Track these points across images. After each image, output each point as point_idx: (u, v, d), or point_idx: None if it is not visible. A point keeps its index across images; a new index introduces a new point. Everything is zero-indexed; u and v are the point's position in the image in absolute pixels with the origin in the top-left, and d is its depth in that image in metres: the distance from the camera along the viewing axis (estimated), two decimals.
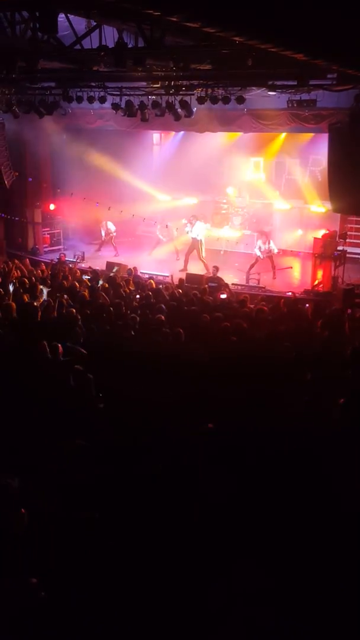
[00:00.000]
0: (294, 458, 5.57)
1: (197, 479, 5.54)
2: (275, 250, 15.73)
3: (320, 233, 15.28)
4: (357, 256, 16.64)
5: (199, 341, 8.64)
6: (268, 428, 5.99)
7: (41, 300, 10.95)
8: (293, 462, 5.53)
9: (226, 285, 13.73)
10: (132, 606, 4.74)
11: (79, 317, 9.44)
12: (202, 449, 5.81)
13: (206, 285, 13.20)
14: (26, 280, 12.37)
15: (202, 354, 8.02)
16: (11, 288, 11.72)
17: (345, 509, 5.11)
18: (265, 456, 5.60)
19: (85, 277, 13.65)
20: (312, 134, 16.31)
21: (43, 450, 5.74)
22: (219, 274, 14.03)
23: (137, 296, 11.94)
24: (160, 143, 20.56)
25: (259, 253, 15.58)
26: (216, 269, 14.03)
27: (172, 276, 14.12)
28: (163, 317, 9.62)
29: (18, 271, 13.77)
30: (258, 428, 5.98)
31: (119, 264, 15.81)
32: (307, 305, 12.38)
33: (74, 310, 9.77)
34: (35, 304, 10.35)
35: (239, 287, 14.52)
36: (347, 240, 16.07)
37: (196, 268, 15.95)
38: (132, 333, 9.01)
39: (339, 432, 6.00)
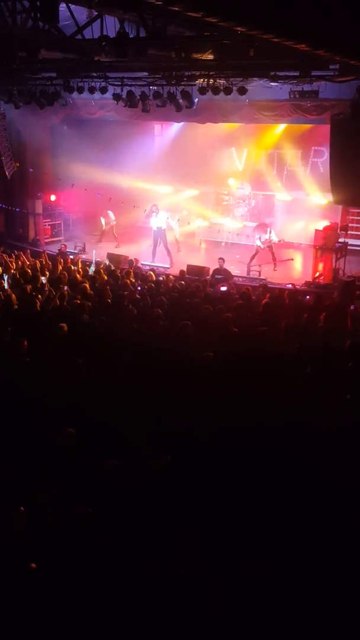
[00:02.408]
0: (295, 449, 5.57)
1: (197, 473, 5.55)
2: (276, 240, 15.70)
3: (321, 225, 15.24)
4: (358, 248, 16.60)
5: (201, 332, 8.66)
6: (268, 420, 6.01)
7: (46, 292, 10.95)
8: (293, 453, 5.53)
9: (232, 277, 13.73)
10: (129, 603, 4.76)
11: (87, 307, 9.49)
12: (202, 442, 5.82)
13: (209, 277, 13.21)
14: (28, 271, 12.39)
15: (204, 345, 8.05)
16: (5, 278, 11.70)
17: (345, 502, 5.13)
18: (266, 448, 5.60)
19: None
20: (313, 125, 16.22)
21: (36, 443, 5.75)
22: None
23: (139, 288, 11.94)
24: (161, 134, 20.49)
25: (259, 243, 15.57)
26: (222, 260, 14.03)
27: (166, 273, 14.15)
28: (163, 309, 9.64)
29: (19, 262, 13.81)
30: (258, 420, 6.00)
31: (119, 256, 15.82)
32: (308, 297, 12.38)
33: (79, 301, 9.81)
34: (38, 295, 10.36)
35: (240, 278, 14.53)
36: (349, 232, 16.05)
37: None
38: (135, 326, 9.03)
39: (340, 424, 6.03)
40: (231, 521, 5.08)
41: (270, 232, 15.65)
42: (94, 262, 14.34)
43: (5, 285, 11.42)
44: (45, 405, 6.48)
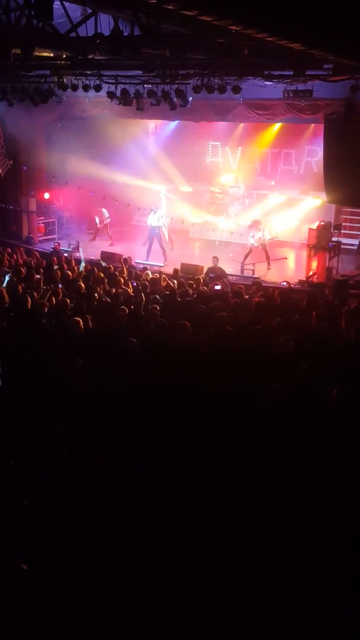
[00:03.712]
0: (289, 447, 5.59)
1: (190, 469, 5.56)
2: (268, 238, 15.73)
3: (315, 224, 15.29)
4: (351, 247, 16.69)
5: (195, 331, 8.67)
6: (261, 416, 6.03)
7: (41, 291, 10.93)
8: (288, 450, 5.55)
9: (226, 276, 13.75)
10: (127, 601, 4.78)
11: (70, 306, 9.51)
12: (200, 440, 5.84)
13: (203, 276, 13.23)
14: (22, 269, 12.37)
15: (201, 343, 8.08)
16: (7, 278, 11.67)
17: (341, 496, 5.15)
18: (262, 445, 5.62)
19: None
20: (307, 125, 16.27)
21: (29, 438, 5.75)
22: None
23: (134, 284, 11.96)
24: (155, 132, 20.49)
25: (252, 242, 15.61)
26: (216, 259, 14.05)
27: (159, 271, 14.15)
28: (158, 307, 9.66)
29: (12, 260, 13.79)
30: (251, 416, 6.02)
31: (113, 254, 15.81)
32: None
33: (68, 300, 9.82)
34: (33, 292, 10.35)
35: (234, 277, 14.56)
36: (342, 231, 16.11)
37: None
38: (124, 324, 9.05)
39: (331, 421, 6.06)
40: (225, 515, 5.10)
41: (263, 230, 15.69)
42: (82, 259, 14.33)
43: (4, 284, 11.39)
44: (40, 404, 6.49)
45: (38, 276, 11.76)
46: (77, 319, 8.48)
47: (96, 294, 10.50)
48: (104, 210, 18.34)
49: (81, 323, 8.39)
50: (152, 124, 20.12)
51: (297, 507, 5.08)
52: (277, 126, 17.34)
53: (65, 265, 13.46)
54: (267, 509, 5.12)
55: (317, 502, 5.10)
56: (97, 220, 18.49)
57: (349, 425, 5.84)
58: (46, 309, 9.50)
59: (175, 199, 19.54)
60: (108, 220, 18.43)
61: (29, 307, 9.66)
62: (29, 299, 9.86)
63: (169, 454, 5.45)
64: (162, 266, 15.62)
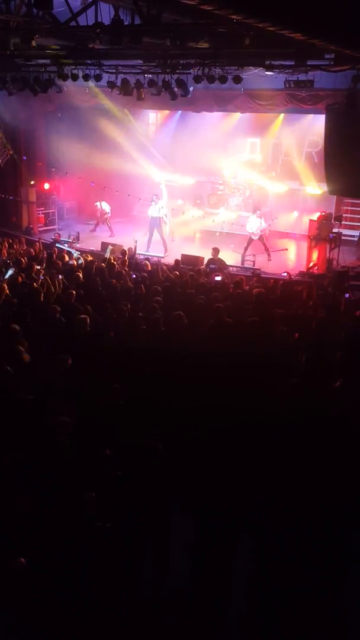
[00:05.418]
0: (289, 438, 5.61)
1: (193, 461, 5.58)
2: (265, 226, 15.63)
3: (315, 215, 15.25)
4: (352, 239, 16.66)
5: (194, 323, 8.67)
6: (262, 409, 6.04)
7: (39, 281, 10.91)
8: (288, 442, 5.57)
9: (226, 267, 13.73)
10: (128, 589, 4.81)
11: (74, 297, 9.50)
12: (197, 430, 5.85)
13: (204, 267, 13.21)
14: (23, 260, 12.35)
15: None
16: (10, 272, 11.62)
17: (342, 489, 5.17)
18: (261, 438, 5.63)
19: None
20: (309, 115, 16.18)
21: (30, 429, 5.78)
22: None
23: (134, 276, 11.94)
24: (156, 122, 20.40)
25: (254, 231, 15.56)
26: (216, 250, 14.03)
27: (159, 262, 14.15)
28: (159, 301, 9.66)
29: (12, 250, 13.77)
30: (252, 410, 6.03)
31: (113, 245, 15.78)
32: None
33: (74, 292, 9.82)
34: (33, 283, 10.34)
35: (235, 268, 14.54)
36: (342, 222, 16.08)
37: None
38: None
39: (333, 412, 6.07)
40: (226, 507, 5.13)
41: (262, 221, 15.64)
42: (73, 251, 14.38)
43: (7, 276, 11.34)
44: (41, 396, 6.51)
45: (38, 267, 11.73)
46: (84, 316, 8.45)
47: (100, 287, 10.48)
48: (104, 203, 18.28)
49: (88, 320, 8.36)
50: (153, 114, 20.02)
51: (299, 504, 5.10)
52: (280, 117, 17.23)
53: (67, 257, 13.45)
54: (268, 500, 5.14)
55: (320, 499, 5.11)
56: (98, 214, 18.47)
57: (351, 416, 5.85)
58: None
59: (176, 190, 19.46)
60: (108, 214, 18.41)
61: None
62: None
63: (169, 447, 5.47)
64: (163, 257, 15.61)
